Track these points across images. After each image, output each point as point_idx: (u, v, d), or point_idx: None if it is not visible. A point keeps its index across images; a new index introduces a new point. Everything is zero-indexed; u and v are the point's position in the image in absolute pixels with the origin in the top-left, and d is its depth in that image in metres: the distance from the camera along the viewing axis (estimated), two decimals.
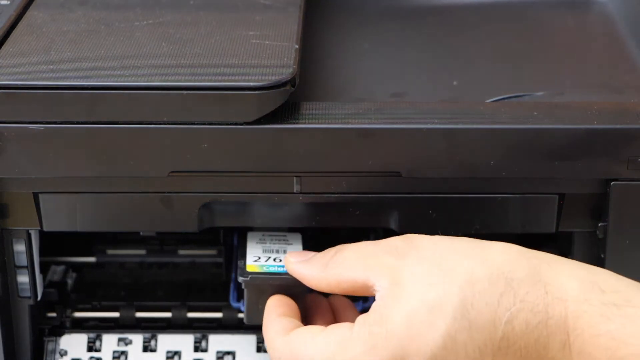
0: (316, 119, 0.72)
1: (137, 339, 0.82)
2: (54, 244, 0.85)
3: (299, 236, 0.79)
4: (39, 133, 0.71)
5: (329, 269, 0.70)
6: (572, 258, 0.76)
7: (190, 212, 0.75)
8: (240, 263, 0.76)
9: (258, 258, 0.76)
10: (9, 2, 0.82)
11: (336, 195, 0.74)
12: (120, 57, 0.73)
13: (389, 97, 0.80)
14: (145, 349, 0.82)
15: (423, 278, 0.66)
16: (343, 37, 0.89)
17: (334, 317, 0.76)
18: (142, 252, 0.89)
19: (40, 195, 0.75)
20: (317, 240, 0.80)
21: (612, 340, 0.62)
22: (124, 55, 0.74)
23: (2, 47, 0.75)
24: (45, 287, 0.82)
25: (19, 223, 0.76)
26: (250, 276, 0.74)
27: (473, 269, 0.65)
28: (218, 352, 0.82)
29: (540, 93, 0.80)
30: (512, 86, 0.80)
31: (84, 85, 0.70)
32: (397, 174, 0.73)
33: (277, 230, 0.79)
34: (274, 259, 0.76)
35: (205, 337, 0.82)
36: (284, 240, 0.78)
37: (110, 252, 0.89)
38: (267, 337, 0.71)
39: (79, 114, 0.71)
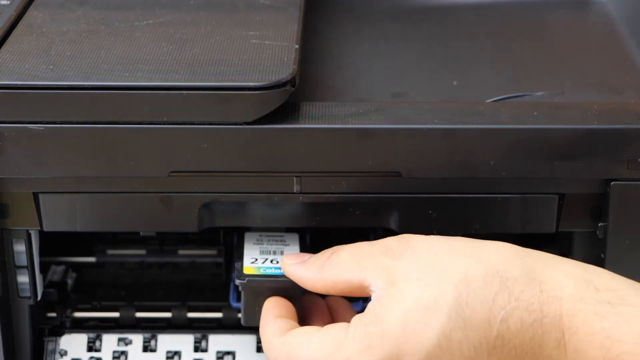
0: (316, 119, 0.72)
1: (137, 339, 0.82)
2: (54, 244, 0.85)
3: (296, 236, 0.79)
4: (39, 133, 0.71)
5: (325, 270, 0.70)
6: (572, 258, 0.76)
7: (190, 212, 0.75)
8: (237, 265, 0.76)
9: (255, 260, 0.76)
10: (9, 2, 0.82)
11: (336, 195, 0.74)
12: (120, 57, 0.73)
13: (389, 97, 0.80)
14: (145, 349, 0.82)
15: (418, 278, 0.66)
16: (343, 37, 0.89)
17: (332, 318, 0.76)
18: (142, 252, 0.89)
19: (40, 195, 0.75)
20: (314, 240, 0.80)
21: (607, 339, 0.63)
22: (124, 55, 0.74)
23: (2, 47, 0.75)
24: (45, 287, 0.82)
25: (19, 223, 0.76)
26: (247, 279, 0.74)
27: (468, 268, 0.65)
28: (218, 352, 0.82)
29: (540, 93, 0.80)
30: (512, 86, 0.80)
31: (84, 85, 0.70)
32: (397, 174, 0.73)
33: (275, 230, 0.80)
34: (271, 261, 0.76)
35: (205, 337, 0.82)
36: (281, 241, 0.78)
37: (110, 252, 0.88)
38: (264, 338, 0.71)
39: (79, 114, 0.71)
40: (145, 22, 0.79)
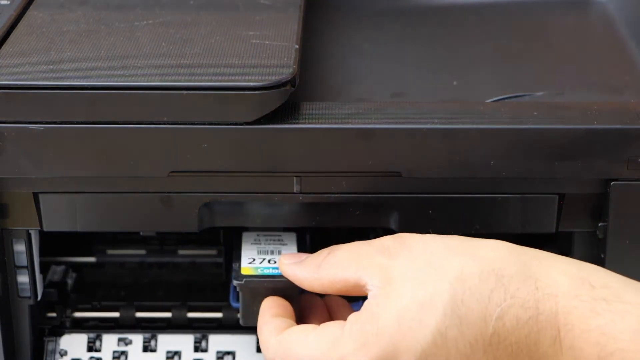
0: (316, 119, 0.72)
1: (137, 339, 0.82)
2: (54, 244, 0.85)
3: (293, 236, 0.79)
4: (39, 133, 0.71)
5: (322, 270, 0.70)
6: (572, 258, 0.76)
7: (190, 212, 0.75)
8: (235, 265, 0.76)
9: (253, 260, 0.76)
10: (9, 2, 0.82)
11: (336, 195, 0.74)
12: (120, 57, 0.73)
13: (389, 97, 0.80)
14: (145, 349, 0.82)
15: (414, 276, 0.66)
16: (343, 37, 0.89)
17: (330, 317, 0.76)
18: (142, 252, 0.89)
19: (40, 195, 0.75)
20: (314, 240, 0.80)
21: (602, 336, 0.63)
22: (124, 55, 0.74)
23: (2, 47, 0.75)
24: (45, 287, 0.82)
25: (19, 223, 0.76)
26: (244, 279, 0.74)
27: (463, 266, 0.66)
28: (218, 352, 0.82)
29: (540, 93, 0.80)
30: (512, 86, 0.80)
31: (84, 85, 0.70)
32: (397, 174, 0.73)
33: (273, 230, 0.80)
34: (269, 261, 0.76)
35: (205, 337, 0.82)
36: (278, 240, 0.78)
37: (110, 252, 0.88)
38: (261, 337, 0.71)
39: (79, 114, 0.71)
40: (145, 22, 0.79)
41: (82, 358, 0.81)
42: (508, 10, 0.93)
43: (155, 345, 0.82)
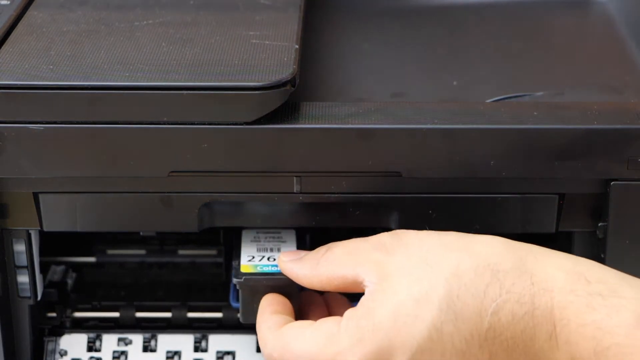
0: (316, 119, 0.72)
1: (137, 339, 0.82)
2: (54, 244, 0.85)
3: (293, 233, 0.79)
4: (39, 133, 0.71)
5: (320, 267, 0.71)
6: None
7: (190, 212, 0.75)
8: (234, 263, 0.76)
9: (252, 257, 0.77)
10: (9, 2, 0.82)
11: (336, 195, 0.74)
12: (120, 57, 0.73)
13: (389, 97, 0.80)
14: (145, 349, 0.82)
15: (410, 272, 0.66)
16: (343, 37, 0.89)
17: (329, 314, 0.77)
18: (142, 252, 0.89)
19: (40, 195, 0.75)
20: (311, 237, 0.80)
21: (597, 330, 0.63)
22: (124, 55, 0.74)
23: (2, 47, 0.75)
24: (45, 287, 0.82)
25: (19, 223, 0.76)
26: (244, 277, 0.75)
27: (459, 261, 0.66)
28: (218, 352, 0.82)
29: (540, 93, 0.80)
30: (512, 86, 0.80)
31: (84, 85, 0.70)
32: (397, 174, 0.73)
33: (272, 228, 0.80)
34: (268, 258, 0.76)
35: (205, 337, 0.82)
36: (278, 238, 0.79)
37: (110, 252, 0.88)
38: (260, 333, 0.72)
39: (79, 114, 0.71)
40: (145, 22, 0.79)
41: (82, 358, 0.81)
42: (508, 10, 0.93)
43: (155, 345, 0.82)
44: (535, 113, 0.73)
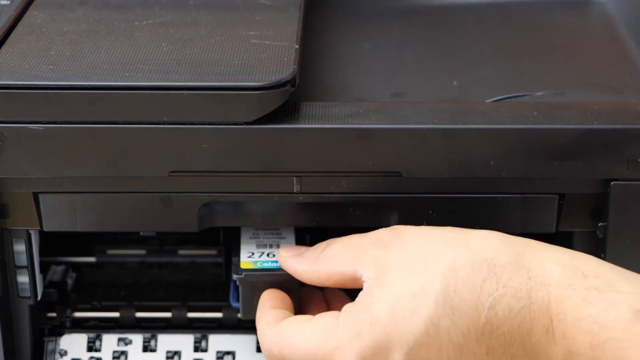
0: (316, 119, 0.72)
1: (137, 339, 0.82)
2: (54, 244, 0.85)
3: (292, 230, 0.79)
4: (39, 133, 0.71)
5: (319, 262, 0.71)
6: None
7: (190, 212, 0.75)
8: (234, 260, 0.76)
9: (252, 254, 0.77)
10: (9, 2, 0.82)
11: (336, 195, 0.74)
12: (120, 57, 0.73)
13: (389, 97, 0.80)
14: (145, 349, 0.82)
15: (407, 267, 0.67)
16: (343, 37, 0.89)
17: (328, 309, 0.77)
18: (142, 252, 0.89)
19: (40, 195, 0.75)
20: (310, 233, 0.80)
21: (594, 324, 0.63)
22: (124, 55, 0.74)
23: (2, 47, 0.75)
24: (45, 287, 0.82)
25: (19, 223, 0.76)
26: (244, 274, 0.75)
27: (456, 256, 0.66)
28: (218, 352, 0.82)
29: (540, 93, 0.80)
30: (512, 86, 0.80)
31: (84, 85, 0.70)
32: (397, 174, 0.73)
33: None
34: (268, 254, 0.76)
35: (205, 337, 0.82)
36: (277, 234, 0.79)
37: (110, 252, 0.88)
38: (259, 328, 0.72)
39: (79, 114, 0.71)
40: (145, 22, 0.79)
41: (82, 358, 0.81)
42: (508, 10, 0.93)
43: (155, 345, 0.82)
44: (535, 113, 0.73)
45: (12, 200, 0.75)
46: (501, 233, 0.68)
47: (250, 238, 0.79)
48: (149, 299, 0.85)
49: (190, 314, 0.83)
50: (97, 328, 0.83)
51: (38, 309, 0.81)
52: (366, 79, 0.82)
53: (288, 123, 0.71)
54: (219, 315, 0.83)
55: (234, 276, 0.75)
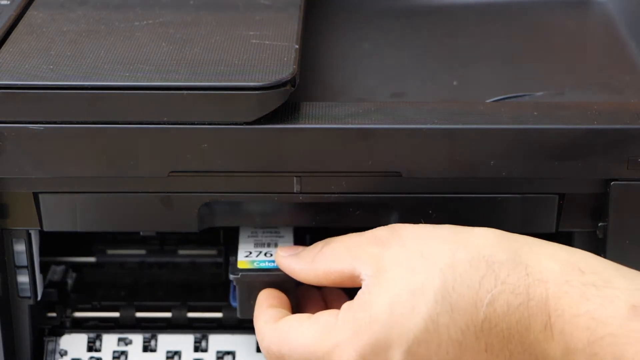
0: (316, 119, 0.72)
1: (137, 339, 0.82)
2: (54, 244, 0.85)
3: (290, 229, 0.79)
4: (39, 133, 0.71)
5: (317, 261, 0.71)
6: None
7: (190, 212, 0.75)
8: (231, 259, 0.76)
9: (249, 253, 0.77)
10: (9, 2, 0.82)
11: (336, 195, 0.74)
12: (120, 57, 0.73)
13: (389, 97, 0.80)
14: (145, 349, 0.82)
15: (405, 264, 0.67)
16: (343, 37, 0.89)
17: (326, 309, 0.77)
18: (142, 252, 0.89)
19: (40, 195, 0.75)
20: (310, 233, 0.80)
21: (591, 320, 0.63)
22: (124, 55, 0.74)
23: (2, 47, 0.75)
24: (45, 287, 0.82)
25: (19, 223, 0.76)
26: (240, 274, 0.75)
27: (454, 253, 0.66)
28: (218, 352, 0.82)
29: (540, 93, 0.80)
30: (512, 86, 0.80)
31: (84, 85, 0.70)
32: (397, 174, 0.73)
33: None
34: (265, 254, 0.76)
35: (205, 337, 0.82)
36: (275, 233, 0.79)
37: (110, 252, 0.88)
38: (257, 327, 0.72)
39: (79, 114, 0.71)
40: (145, 22, 0.79)
41: (82, 358, 0.81)
42: (508, 10, 0.93)
43: (155, 345, 0.82)
44: (535, 113, 0.73)
45: (12, 200, 0.75)
46: (499, 230, 0.68)
47: (249, 237, 0.79)
48: (149, 299, 0.85)
49: (190, 314, 0.83)
50: (97, 328, 0.83)
51: (38, 309, 0.81)
52: (366, 79, 0.82)
53: (288, 123, 0.71)
54: (219, 315, 0.83)
55: (231, 276, 0.75)
